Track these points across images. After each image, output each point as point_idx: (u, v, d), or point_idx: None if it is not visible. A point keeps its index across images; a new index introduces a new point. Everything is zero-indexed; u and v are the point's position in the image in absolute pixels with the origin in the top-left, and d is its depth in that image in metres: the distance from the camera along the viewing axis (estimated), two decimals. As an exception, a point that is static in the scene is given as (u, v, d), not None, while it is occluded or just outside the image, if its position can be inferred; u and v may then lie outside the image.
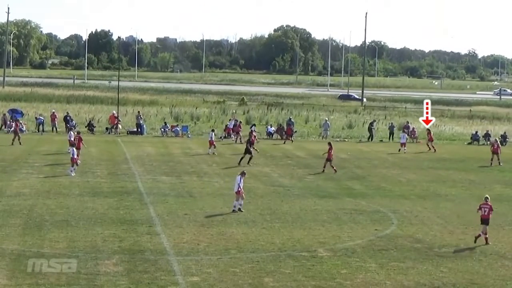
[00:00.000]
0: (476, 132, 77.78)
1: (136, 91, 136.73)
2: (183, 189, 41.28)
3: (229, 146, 64.01)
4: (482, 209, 31.22)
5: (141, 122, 72.50)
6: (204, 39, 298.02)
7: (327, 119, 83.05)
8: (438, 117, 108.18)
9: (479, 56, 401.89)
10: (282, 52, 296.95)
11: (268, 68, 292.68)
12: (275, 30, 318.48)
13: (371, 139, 74.36)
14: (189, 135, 71.13)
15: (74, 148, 46.19)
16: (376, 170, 52.41)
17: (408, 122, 79.24)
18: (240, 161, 52.00)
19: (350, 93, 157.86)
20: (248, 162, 51.82)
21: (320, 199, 39.33)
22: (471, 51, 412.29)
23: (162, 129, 71.81)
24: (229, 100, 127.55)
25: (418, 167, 54.49)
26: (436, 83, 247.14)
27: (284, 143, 67.55)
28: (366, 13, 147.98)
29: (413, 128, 75.49)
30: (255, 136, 59.45)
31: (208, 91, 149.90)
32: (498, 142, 60.01)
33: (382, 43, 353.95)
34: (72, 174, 44.30)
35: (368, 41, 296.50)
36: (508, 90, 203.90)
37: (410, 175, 50.02)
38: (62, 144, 58.12)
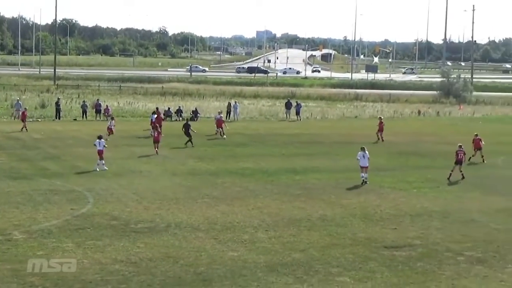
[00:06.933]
0: (169, 108, 79.53)
1: None
2: None
3: None
4: (458, 154, 42.70)
5: None
6: None
7: (18, 98, 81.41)
8: (132, 95, 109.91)
9: (170, 34, 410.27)
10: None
11: None
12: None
13: (59, 118, 73.86)
14: None
15: None
16: (71, 149, 52.03)
17: (98, 100, 79.85)
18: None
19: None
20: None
21: (14, 181, 38.43)
22: (161, 29, 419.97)
23: None
24: None
25: (113, 145, 54.36)
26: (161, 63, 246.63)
27: None
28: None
29: (107, 106, 76.24)
30: None
31: None
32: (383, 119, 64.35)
33: (74, 21, 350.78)
34: None
35: (59, 19, 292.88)
36: (200, 67, 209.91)
37: (105, 153, 49.93)
38: None
